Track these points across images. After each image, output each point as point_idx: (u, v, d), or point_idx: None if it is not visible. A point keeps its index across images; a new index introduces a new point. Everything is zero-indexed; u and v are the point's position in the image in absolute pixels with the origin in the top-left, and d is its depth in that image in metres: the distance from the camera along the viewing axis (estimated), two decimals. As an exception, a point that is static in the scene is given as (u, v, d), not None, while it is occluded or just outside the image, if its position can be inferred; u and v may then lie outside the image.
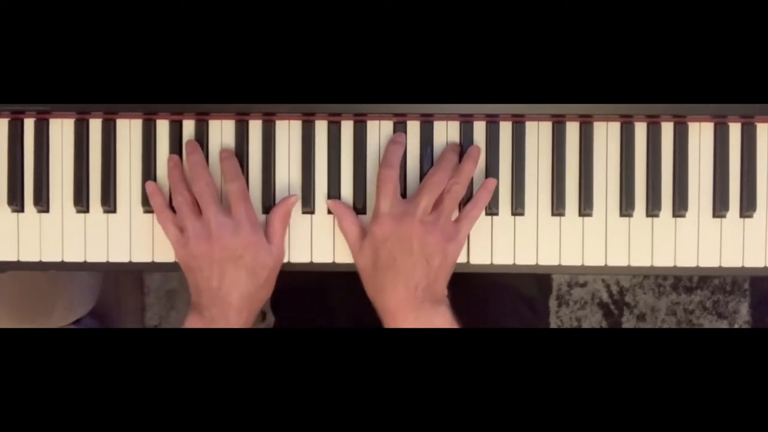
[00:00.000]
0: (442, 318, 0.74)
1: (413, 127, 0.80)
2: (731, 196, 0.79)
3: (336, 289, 0.99)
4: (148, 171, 0.80)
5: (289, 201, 0.79)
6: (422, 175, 0.79)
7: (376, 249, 0.74)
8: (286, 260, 0.80)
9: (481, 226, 0.79)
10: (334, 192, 0.80)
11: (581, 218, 0.80)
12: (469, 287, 0.86)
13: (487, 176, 0.79)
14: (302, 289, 0.98)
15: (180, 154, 0.80)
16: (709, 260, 0.80)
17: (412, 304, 0.73)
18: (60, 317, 1.20)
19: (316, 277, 0.87)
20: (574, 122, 0.80)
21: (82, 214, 0.80)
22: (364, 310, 0.99)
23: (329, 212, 0.80)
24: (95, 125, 0.80)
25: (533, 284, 0.98)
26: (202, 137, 0.80)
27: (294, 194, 0.79)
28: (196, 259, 0.75)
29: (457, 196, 0.76)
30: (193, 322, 0.75)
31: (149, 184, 0.79)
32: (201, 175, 0.77)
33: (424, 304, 0.73)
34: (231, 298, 0.74)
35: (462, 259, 0.78)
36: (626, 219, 0.80)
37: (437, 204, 0.75)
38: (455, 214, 0.77)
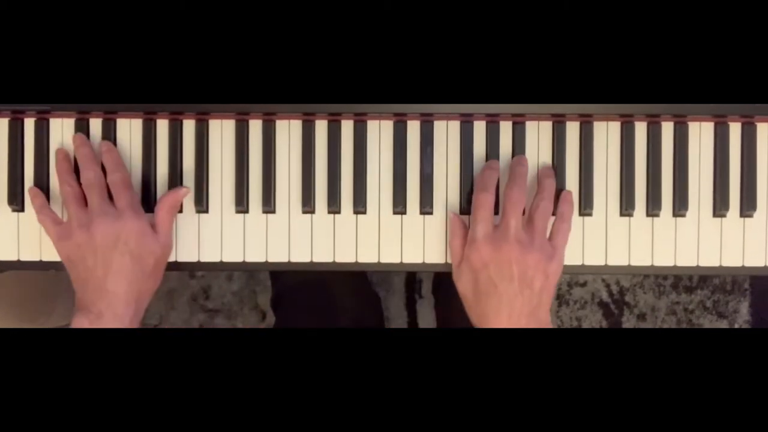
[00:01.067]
0: None
1: (413, 127, 0.80)
2: (731, 195, 0.79)
3: (336, 289, 0.99)
4: (148, 170, 0.80)
5: (179, 192, 0.78)
6: (422, 175, 0.79)
7: (475, 275, 0.74)
8: (286, 260, 0.80)
9: (481, 226, 0.79)
10: (333, 191, 0.80)
11: (581, 218, 0.80)
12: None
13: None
14: (302, 289, 0.98)
15: (180, 155, 0.80)
16: (709, 260, 0.80)
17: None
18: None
19: (316, 276, 0.88)
20: (574, 122, 0.80)
21: (82, 214, 0.80)
22: (364, 310, 0.99)
23: (329, 212, 0.80)
24: (95, 125, 0.80)
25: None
26: (202, 137, 0.80)
27: (186, 186, 0.79)
28: (79, 248, 0.74)
29: (546, 213, 0.76)
30: (79, 323, 0.73)
31: (31, 188, 0.79)
32: (89, 166, 0.77)
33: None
34: (118, 288, 0.73)
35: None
36: (626, 218, 0.80)
37: (528, 224, 0.75)
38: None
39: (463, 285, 0.75)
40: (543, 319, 0.74)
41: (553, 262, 0.74)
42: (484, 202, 0.75)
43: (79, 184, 0.77)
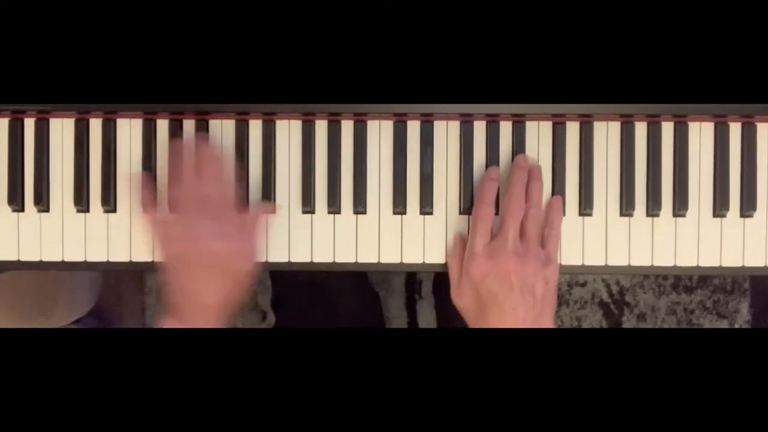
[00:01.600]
0: None
1: (413, 127, 0.80)
2: (731, 195, 0.79)
3: (336, 289, 0.99)
4: (149, 170, 0.80)
5: (269, 207, 0.79)
6: (422, 175, 0.79)
7: (476, 289, 0.74)
8: (286, 260, 0.80)
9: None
10: (333, 191, 0.79)
11: (581, 218, 0.80)
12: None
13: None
14: (303, 289, 0.98)
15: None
16: (709, 260, 0.80)
17: None
18: (60, 317, 1.20)
19: (317, 276, 0.88)
20: (574, 122, 0.80)
21: (83, 214, 0.80)
22: (365, 309, 0.99)
23: (329, 212, 0.80)
24: (95, 125, 0.80)
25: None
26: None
27: (272, 203, 0.79)
28: (177, 257, 0.74)
29: (537, 220, 0.77)
30: (168, 324, 0.75)
31: (140, 174, 0.79)
32: (215, 184, 0.76)
33: None
34: (208, 301, 0.74)
35: (462, 258, 0.78)
36: (626, 219, 0.80)
37: (521, 233, 0.75)
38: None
39: (464, 301, 0.76)
40: (547, 326, 0.75)
41: (550, 267, 0.75)
42: (484, 215, 0.76)
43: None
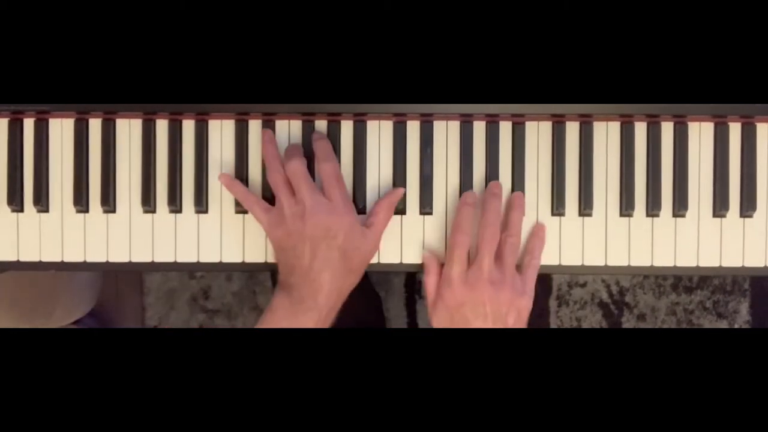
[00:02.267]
0: None
1: (413, 128, 0.80)
2: (731, 196, 0.79)
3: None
4: (148, 171, 0.80)
5: (396, 193, 0.78)
6: (422, 175, 0.79)
7: (450, 314, 0.75)
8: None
9: (481, 226, 0.79)
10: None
11: (581, 218, 0.80)
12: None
13: (487, 178, 0.80)
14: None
15: (180, 155, 0.80)
16: (709, 260, 0.80)
17: None
18: (60, 317, 1.20)
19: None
20: (574, 122, 0.80)
21: (82, 214, 0.80)
22: (366, 309, 0.99)
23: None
24: (95, 125, 0.80)
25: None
26: (202, 137, 0.80)
27: (401, 188, 0.79)
28: (290, 237, 0.74)
29: (515, 249, 0.77)
30: (281, 302, 0.74)
31: (223, 176, 0.79)
32: (295, 154, 0.76)
33: None
34: (322, 279, 0.74)
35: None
36: (626, 219, 0.80)
37: (498, 261, 0.76)
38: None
39: (438, 322, 0.76)
40: None
41: (524, 297, 0.76)
42: (460, 243, 0.76)
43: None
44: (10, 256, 0.80)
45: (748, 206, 0.79)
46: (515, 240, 0.77)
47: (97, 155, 0.80)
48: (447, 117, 0.80)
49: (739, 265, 0.80)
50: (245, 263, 0.80)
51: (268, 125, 0.80)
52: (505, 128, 0.80)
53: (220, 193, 0.80)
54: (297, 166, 0.75)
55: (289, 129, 0.80)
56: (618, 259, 0.80)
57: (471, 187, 0.79)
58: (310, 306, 0.74)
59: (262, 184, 0.80)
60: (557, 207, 0.79)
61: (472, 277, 0.75)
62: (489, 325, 0.74)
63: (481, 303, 0.74)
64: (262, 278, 1.45)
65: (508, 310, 0.74)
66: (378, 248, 0.78)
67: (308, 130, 0.80)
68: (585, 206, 0.79)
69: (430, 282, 0.78)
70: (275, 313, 0.75)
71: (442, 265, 0.78)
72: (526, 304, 0.76)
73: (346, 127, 0.80)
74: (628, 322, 1.47)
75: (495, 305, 0.74)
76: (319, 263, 0.73)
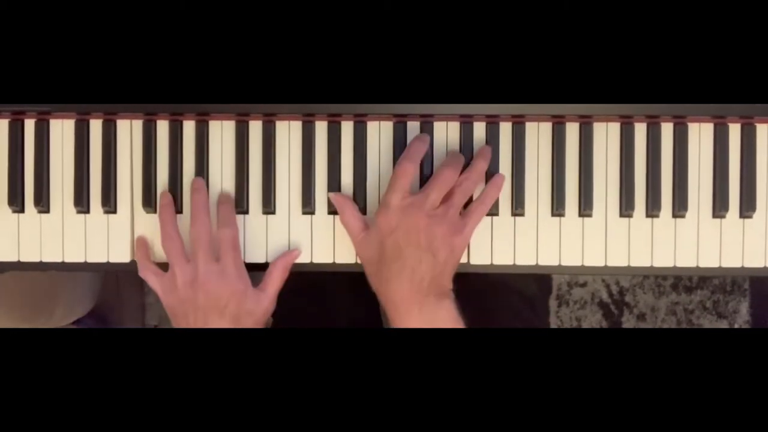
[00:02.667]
0: (446, 312, 0.74)
1: (413, 128, 0.80)
2: (731, 196, 0.79)
3: (335, 290, 0.99)
4: (149, 172, 0.80)
5: (292, 254, 0.79)
6: (422, 176, 0.79)
7: (381, 240, 0.74)
8: (286, 261, 0.80)
9: (481, 227, 0.79)
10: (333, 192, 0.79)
11: (581, 218, 0.80)
12: (469, 287, 0.86)
13: (487, 178, 0.79)
14: (301, 290, 0.98)
15: (181, 154, 0.80)
16: (708, 260, 0.80)
17: (417, 297, 0.73)
18: (60, 317, 1.20)
19: (315, 277, 0.87)
20: (574, 123, 0.80)
21: (83, 215, 0.80)
22: (363, 310, 0.99)
23: (329, 213, 0.80)
24: (96, 126, 0.80)
25: (533, 284, 0.98)
26: (202, 138, 0.80)
27: (297, 249, 0.80)
28: (182, 304, 0.75)
29: (467, 191, 0.76)
30: None
31: (139, 238, 0.80)
32: (201, 220, 0.77)
33: (429, 297, 0.73)
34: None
35: (462, 259, 0.78)
36: (626, 219, 0.80)
37: (446, 198, 0.75)
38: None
39: (367, 251, 0.76)
40: (444, 286, 0.75)
41: (459, 236, 0.74)
42: (405, 171, 0.75)
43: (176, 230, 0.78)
44: (10, 257, 0.80)
45: (747, 207, 0.79)
46: (470, 184, 0.76)
47: (98, 156, 0.80)
48: (447, 118, 0.80)
49: (739, 265, 0.80)
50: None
51: (269, 126, 0.80)
52: (505, 129, 0.80)
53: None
54: (200, 233, 0.76)
55: (289, 130, 0.80)
56: (618, 259, 0.80)
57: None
58: None
59: (262, 185, 0.80)
60: (557, 207, 0.79)
61: (411, 205, 0.74)
62: (420, 254, 0.72)
63: (415, 230, 0.73)
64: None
65: (440, 245, 0.73)
66: (273, 307, 0.78)
67: (308, 131, 0.80)
68: (585, 207, 0.79)
69: (347, 217, 0.77)
70: None
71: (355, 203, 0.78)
72: (459, 243, 0.75)
73: (346, 129, 0.80)
74: (628, 322, 1.47)
75: (428, 236, 0.73)
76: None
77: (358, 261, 0.79)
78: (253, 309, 0.76)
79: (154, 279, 0.77)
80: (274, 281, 0.78)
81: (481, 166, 0.78)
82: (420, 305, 0.73)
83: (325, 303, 0.98)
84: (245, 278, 0.76)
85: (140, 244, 0.80)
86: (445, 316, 0.74)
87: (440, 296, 0.74)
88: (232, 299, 0.75)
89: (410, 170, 0.75)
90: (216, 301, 0.74)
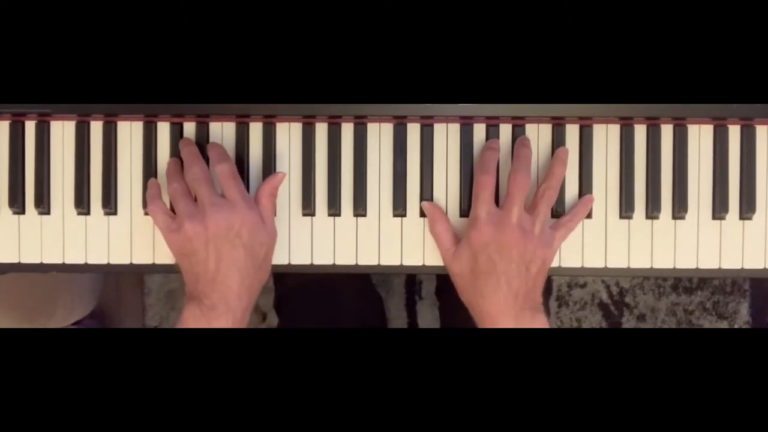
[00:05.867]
0: (540, 326, 0.75)
1: (413, 130, 0.80)
2: (731, 198, 0.79)
3: (339, 290, 0.99)
4: (149, 173, 0.80)
5: (276, 178, 0.77)
6: (422, 176, 0.80)
7: (474, 255, 0.74)
8: (286, 262, 0.80)
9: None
10: (334, 194, 0.80)
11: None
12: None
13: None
14: (306, 291, 0.98)
15: (181, 159, 0.80)
16: (708, 262, 0.80)
17: (512, 311, 0.73)
18: (61, 318, 1.20)
19: (319, 277, 0.88)
20: (574, 125, 0.80)
21: (83, 216, 0.80)
22: (367, 310, 0.99)
23: (329, 215, 0.80)
24: (96, 127, 0.80)
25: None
26: (203, 139, 0.80)
27: (282, 171, 0.78)
28: (190, 241, 0.72)
29: (550, 201, 0.77)
30: (192, 313, 0.73)
31: (151, 180, 0.79)
32: (194, 162, 0.76)
33: (524, 311, 0.74)
34: (230, 281, 0.72)
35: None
36: (626, 221, 0.80)
37: (531, 209, 0.75)
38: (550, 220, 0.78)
39: (459, 265, 0.76)
40: (537, 300, 0.75)
41: (550, 250, 0.75)
42: (485, 184, 0.76)
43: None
44: (11, 258, 0.81)
45: (747, 208, 0.79)
46: (553, 193, 0.76)
47: (99, 157, 0.80)
48: (447, 119, 0.80)
49: (739, 267, 0.80)
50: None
51: (269, 128, 0.80)
52: (505, 131, 0.80)
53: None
54: (196, 172, 0.75)
55: (289, 131, 0.80)
56: (618, 261, 0.80)
57: (471, 190, 0.79)
58: (222, 311, 0.72)
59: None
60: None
61: (500, 220, 0.74)
62: (513, 268, 0.73)
63: (508, 245, 0.73)
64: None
65: (532, 258, 0.73)
66: (276, 235, 0.77)
67: (308, 132, 0.80)
68: (585, 208, 0.79)
69: (439, 229, 0.77)
70: (187, 325, 0.73)
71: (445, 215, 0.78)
72: (550, 256, 0.75)
73: (347, 130, 0.80)
74: (628, 322, 1.47)
75: (521, 250, 0.73)
76: (226, 265, 0.72)
77: (359, 263, 0.79)
78: (263, 238, 0.74)
79: (162, 216, 0.75)
80: (266, 210, 0.76)
81: (560, 171, 0.78)
82: (516, 319, 0.73)
83: (330, 304, 0.98)
84: (254, 207, 0.75)
85: (153, 183, 0.78)
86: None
87: (534, 310, 0.74)
88: (243, 227, 0.73)
89: (489, 182, 0.76)
90: (227, 230, 0.72)
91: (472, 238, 0.74)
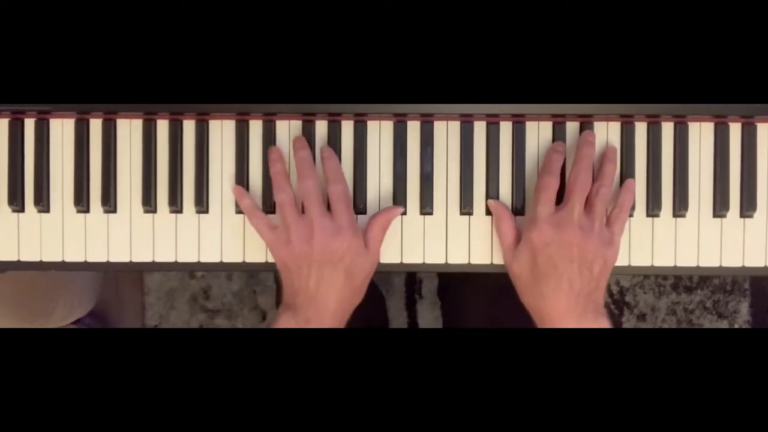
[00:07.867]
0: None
1: (413, 128, 0.80)
2: (731, 196, 0.79)
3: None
4: (149, 171, 0.80)
5: (393, 211, 0.78)
6: (422, 175, 0.79)
7: (534, 255, 0.74)
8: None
9: (480, 228, 0.79)
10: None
11: (581, 218, 0.80)
12: (469, 288, 0.86)
13: (487, 178, 0.80)
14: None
15: (180, 155, 0.80)
16: (709, 260, 0.80)
17: (575, 313, 0.73)
18: (60, 317, 1.20)
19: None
20: (574, 122, 0.80)
21: (83, 214, 0.80)
22: (369, 309, 0.99)
23: (329, 212, 0.80)
24: (95, 125, 0.80)
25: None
26: (202, 138, 0.80)
27: (399, 206, 0.79)
28: (296, 258, 0.74)
29: (605, 199, 0.76)
30: (287, 321, 0.75)
31: (236, 188, 0.79)
32: (309, 174, 0.76)
33: (586, 313, 0.73)
34: (328, 301, 0.74)
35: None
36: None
37: (588, 209, 0.75)
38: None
39: (519, 266, 0.76)
40: (598, 302, 0.75)
41: (611, 248, 0.75)
42: (548, 185, 0.76)
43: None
44: (10, 256, 0.80)
45: (748, 206, 0.79)
46: (607, 191, 0.76)
47: (98, 155, 0.80)
48: (447, 117, 0.80)
49: (739, 265, 0.80)
50: (246, 263, 0.80)
51: (269, 125, 0.80)
52: (506, 128, 0.80)
53: (220, 194, 0.80)
54: (310, 188, 0.75)
55: (289, 129, 0.80)
56: (619, 258, 0.79)
57: (471, 187, 0.79)
58: (317, 326, 0.74)
59: (263, 185, 0.80)
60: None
61: (560, 220, 0.74)
62: (575, 269, 0.73)
63: (568, 245, 0.73)
64: (262, 278, 1.45)
65: (594, 257, 0.73)
66: (377, 263, 0.78)
67: (309, 130, 0.80)
68: (585, 206, 0.79)
69: (505, 227, 0.77)
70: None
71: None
72: (612, 255, 0.75)
73: (347, 128, 0.80)
74: (628, 321, 1.47)
75: (582, 250, 0.73)
76: (325, 287, 0.74)
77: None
78: (364, 266, 0.76)
79: (268, 232, 0.76)
80: (374, 240, 0.77)
81: (611, 169, 0.78)
82: (578, 321, 0.73)
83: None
84: (359, 235, 0.76)
85: (242, 194, 0.78)
86: None
87: (597, 314, 0.74)
88: (347, 254, 0.74)
89: (552, 183, 0.76)
90: (331, 255, 0.74)
91: (533, 238, 0.74)
